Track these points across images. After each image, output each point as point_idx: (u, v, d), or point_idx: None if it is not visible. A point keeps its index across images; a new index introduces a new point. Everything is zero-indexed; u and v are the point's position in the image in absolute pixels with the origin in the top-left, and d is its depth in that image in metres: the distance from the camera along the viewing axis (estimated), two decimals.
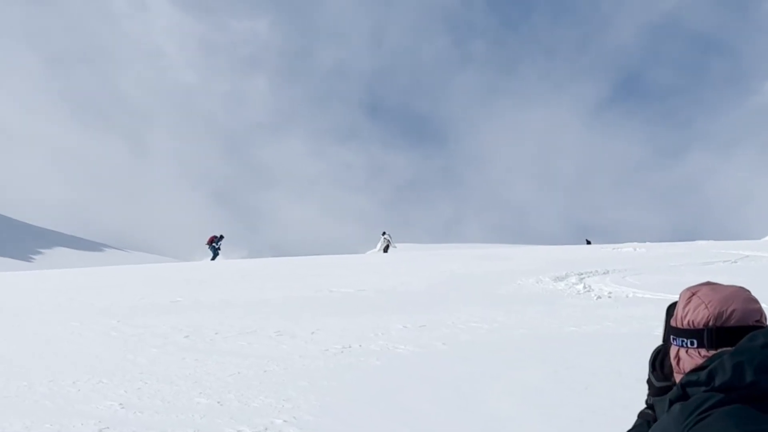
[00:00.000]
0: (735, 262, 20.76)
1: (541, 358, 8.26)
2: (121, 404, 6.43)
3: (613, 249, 29.22)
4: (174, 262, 33.63)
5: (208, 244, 40.05)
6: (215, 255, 39.77)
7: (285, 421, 5.89)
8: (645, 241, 34.87)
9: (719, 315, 1.91)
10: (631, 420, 2.37)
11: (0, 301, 14.83)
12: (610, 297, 13.51)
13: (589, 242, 44.72)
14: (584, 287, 14.96)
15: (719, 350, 1.88)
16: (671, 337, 2.06)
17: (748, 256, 21.94)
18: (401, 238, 47.46)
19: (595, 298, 13.48)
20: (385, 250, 45.38)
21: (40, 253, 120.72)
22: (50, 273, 27.17)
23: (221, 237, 40.33)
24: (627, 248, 29.14)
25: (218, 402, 6.48)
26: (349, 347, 8.95)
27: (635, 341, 9.16)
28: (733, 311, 1.91)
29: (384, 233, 46.89)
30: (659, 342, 2.22)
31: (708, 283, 2.05)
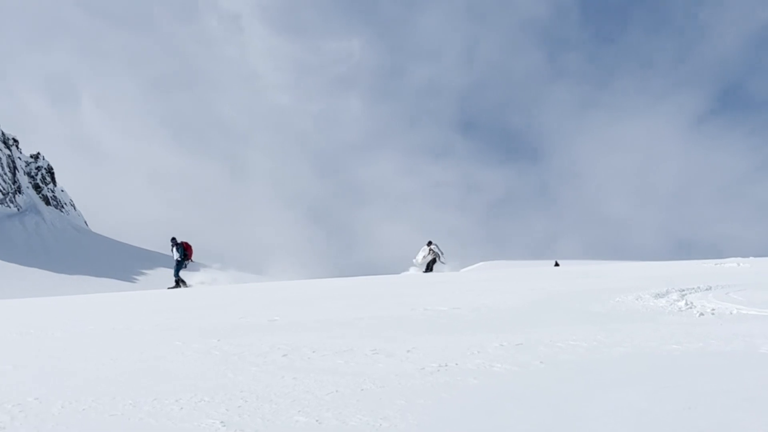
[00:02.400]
0: None
1: (643, 377, 8.09)
2: (222, 422, 6.56)
3: (716, 264, 28.44)
4: (271, 282, 34.06)
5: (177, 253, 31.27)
6: (176, 269, 31.71)
7: None
8: (748, 256, 33.85)
9: None
10: None
11: (106, 322, 15.31)
12: (713, 314, 13.15)
13: (557, 264, 42.19)
14: (686, 304, 14.59)
15: None
16: None
17: None
18: (495, 256, 44.80)
19: (698, 315, 13.13)
20: (430, 266, 37.81)
21: (143, 273, 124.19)
22: (152, 293, 27.91)
23: (172, 242, 31.22)
24: (730, 263, 28.35)
25: (316, 420, 6.55)
26: (446, 366, 8.93)
27: (740, 359, 8.90)
28: None
29: (430, 243, 38.55)
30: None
31: None
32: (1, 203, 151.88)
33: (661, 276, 22.28)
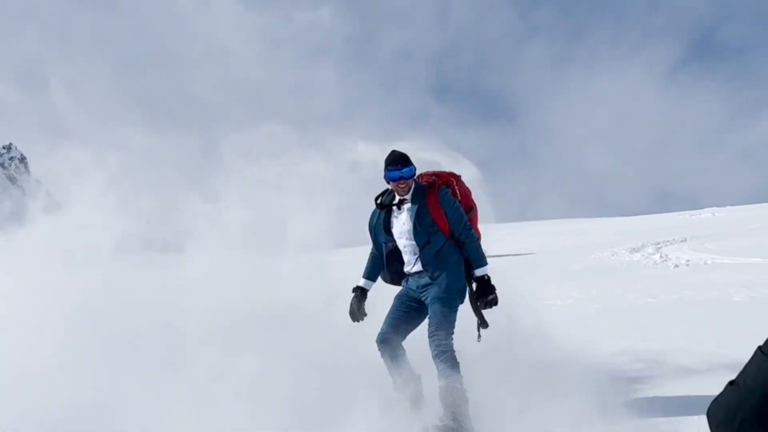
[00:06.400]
0: None
1: (619, 332, 8.11)
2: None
3: (692, 216, 28.59)
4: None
5: None
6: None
7: None
8: (725, 206, 33.99)
9: None
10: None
11: None
12: (687, 265, 13.20)
13: None
14: (661, 257, 14.66)
15: None
16: None
17: None
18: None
19: (673, 267, 13.19)
20: None
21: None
22: None
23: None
24: (706, 214, 28.50)
25: None
26: None
27: (715, 309, 8.93)
28: None
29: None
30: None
31: None
32: None
33: (638, 230, 22.35)
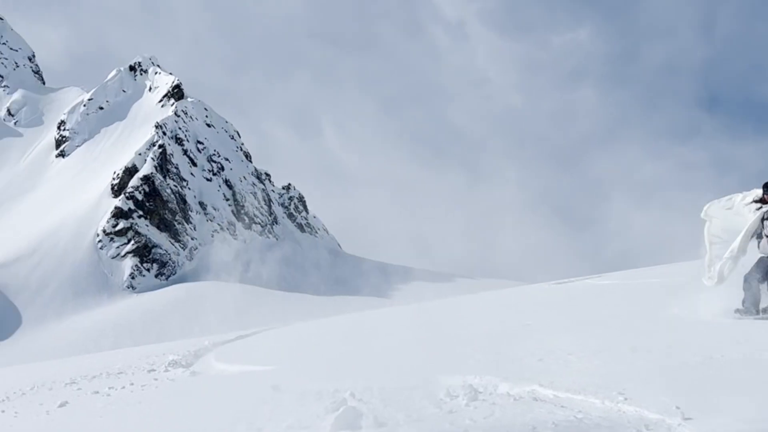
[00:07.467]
0: None
1: None
2: None
3: None
4: (522, 285, 33.83)
5: None
6: None
7: None
8: None
9: None
10: None
11: (361, 339, 15.90)
12: None
13: None
14: None
15: None
16: None
17: None
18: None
19: None
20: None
21: (398, 289, 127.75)
22: (410, 308, 28.64)
23: None
24: None
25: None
26: (711, 358, 8.55)
27: None
28: None
29: None
30: None
31: None
32: (261, 234, 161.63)
33: None
